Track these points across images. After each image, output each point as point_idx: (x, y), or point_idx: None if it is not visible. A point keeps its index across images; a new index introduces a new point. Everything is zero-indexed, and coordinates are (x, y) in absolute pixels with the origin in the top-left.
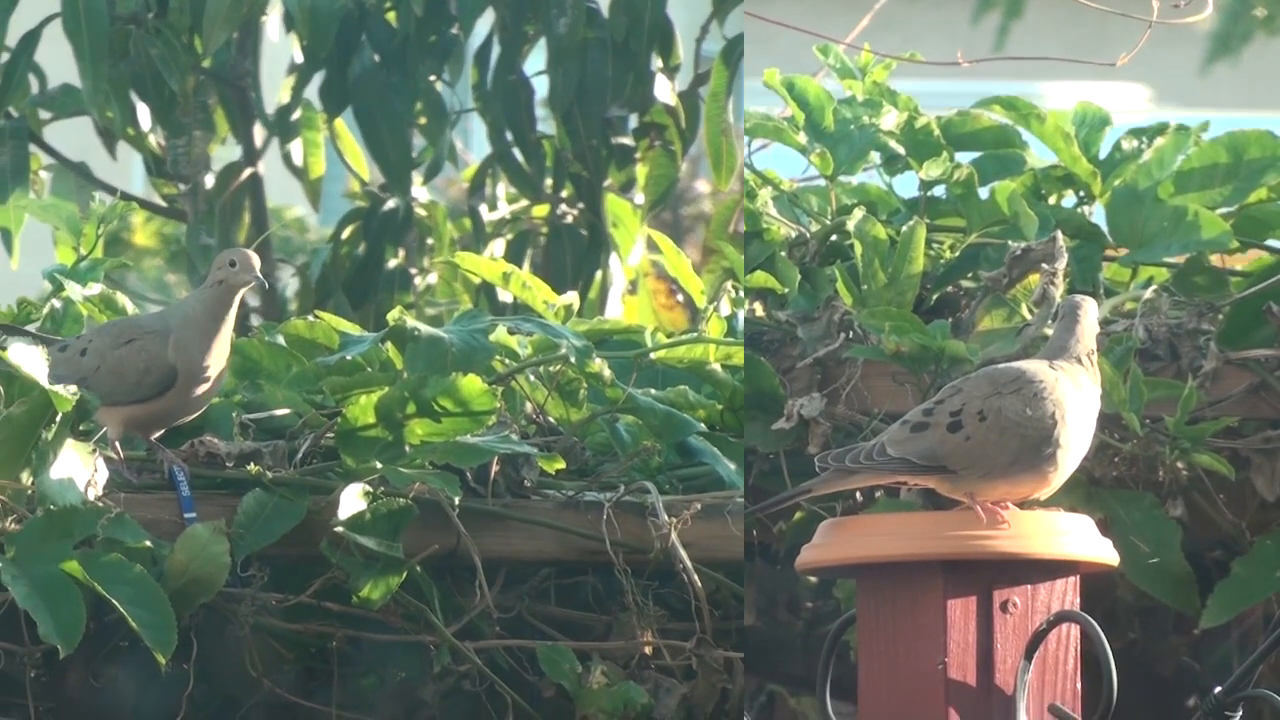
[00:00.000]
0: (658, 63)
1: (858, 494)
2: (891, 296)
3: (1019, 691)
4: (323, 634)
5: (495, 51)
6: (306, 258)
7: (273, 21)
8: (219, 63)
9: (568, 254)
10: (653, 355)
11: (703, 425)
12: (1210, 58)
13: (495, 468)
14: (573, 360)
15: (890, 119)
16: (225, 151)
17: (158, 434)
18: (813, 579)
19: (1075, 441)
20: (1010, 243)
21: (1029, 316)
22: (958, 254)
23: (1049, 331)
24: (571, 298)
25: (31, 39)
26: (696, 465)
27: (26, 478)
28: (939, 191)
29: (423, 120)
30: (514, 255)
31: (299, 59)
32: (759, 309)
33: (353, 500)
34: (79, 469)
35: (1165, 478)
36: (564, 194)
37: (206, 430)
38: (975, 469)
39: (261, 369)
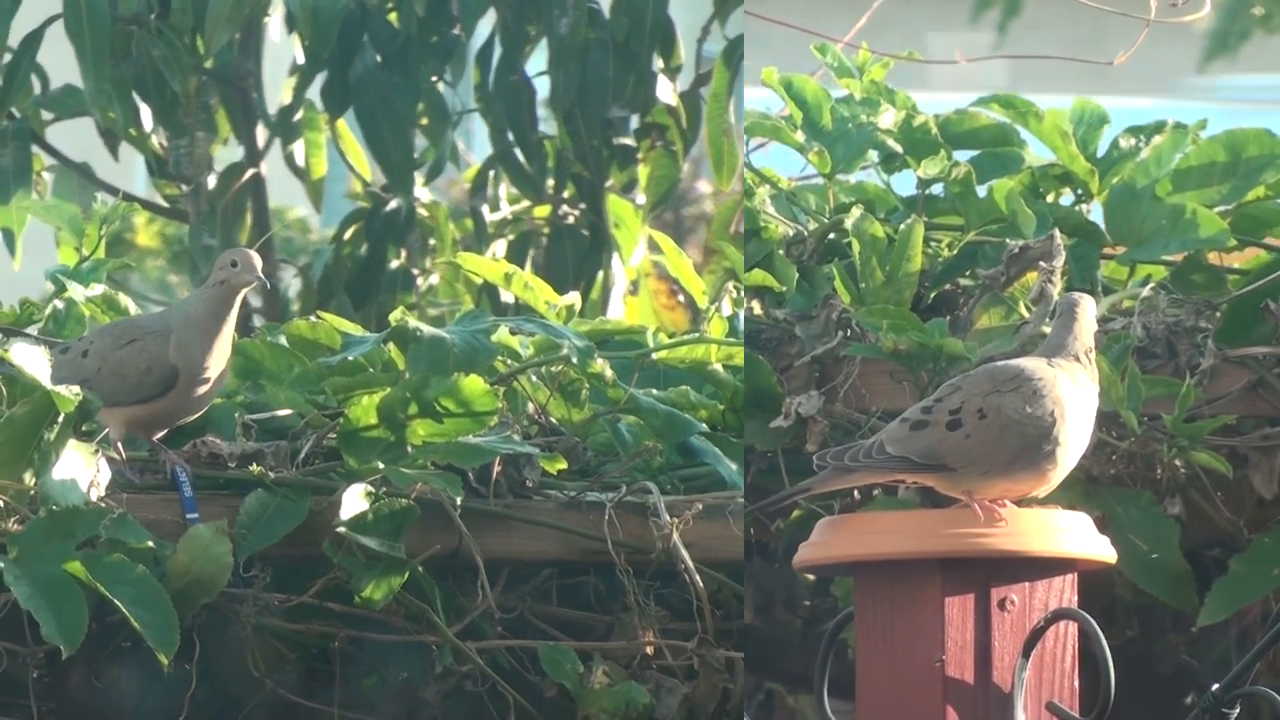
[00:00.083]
0: (659, 63)
1: (855, 492)
2: (889, 295)
3: (1017, 689)
4: (325, 634)
5: (497, 52)
6: (308, 258)
7: (275, 22)
8: (221, 63)
9: (569, 254)
10: (654, 355)
11: (704, 425)
12: (1208, 56)
13: (497, 468)
14: (574, 361)
15: (888, 117)
16: (227, 152)
17: (160, 435)
18: (810, 577)
19: (1074, 439)
20: (1008, 241)
21: (1027, 315)
22: (955, 252)
23: (1047, 329)
24: (573, 298)
25: (34, 40)
26: (698, 465)
27: (29, 478)
28: (937, 190)
29: (424, 121)
30: (516, 256)
31: (301, 59)
32: (757, 307)
33: (355, 500)
34: (81, 469)
35: (1163, 475)
36: (565, 194)
37: (209, 431)
38: (975, 467)
39: (264, 369)
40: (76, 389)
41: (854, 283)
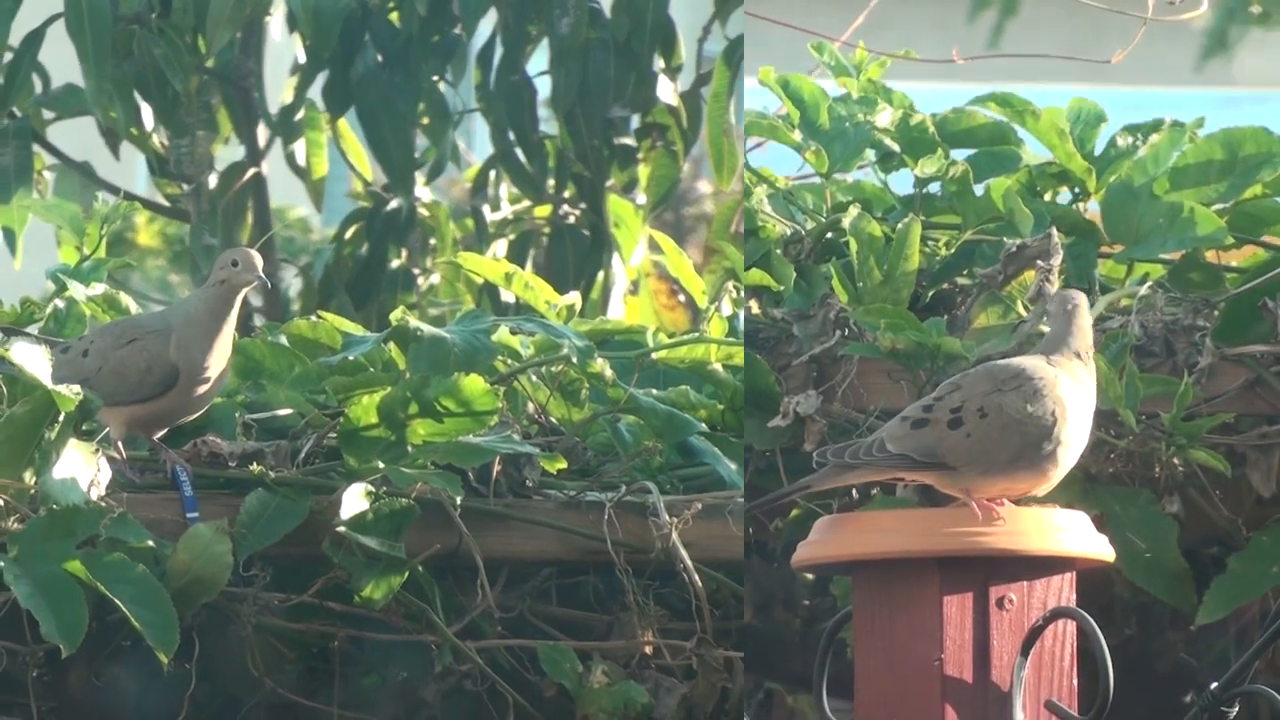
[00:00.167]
0: (660, 63)
1: (854, 491)
2: (887, 294)
3: (1015, 688)
4: (325, 634)
5: (498, 52)
6: (309, 258)
7: (276, 21)
8: (222, 63)
9: (570, 254)
10: (654, 355)
11: (704, 425)
12: (1205, 54)
13: (497, 468)
14: (575, 360)
15: (885, 116)
16: (228, 151)
17: (160, 434)
18: (809, 576)
19: (1075, 438)
20: (1005, 239)
21: (1024, 313)
22: (953, 251)
23: (1045, 328)
24: (573, 298)
25: (35, 39)
26: (697, 465)
27: (29, 477)
28: (934, 189)
29: (425, 120)
30: (516, 255)
31: (302, 59)
32: (754, 306)
33: (355, 500)
34: (82, 469)
35: (1161, 474)
36: (566, 194)
37: (209, 430)
38: (975, 465)
39: (264, 369)
40: (77, 388)
41: (851, 282)
